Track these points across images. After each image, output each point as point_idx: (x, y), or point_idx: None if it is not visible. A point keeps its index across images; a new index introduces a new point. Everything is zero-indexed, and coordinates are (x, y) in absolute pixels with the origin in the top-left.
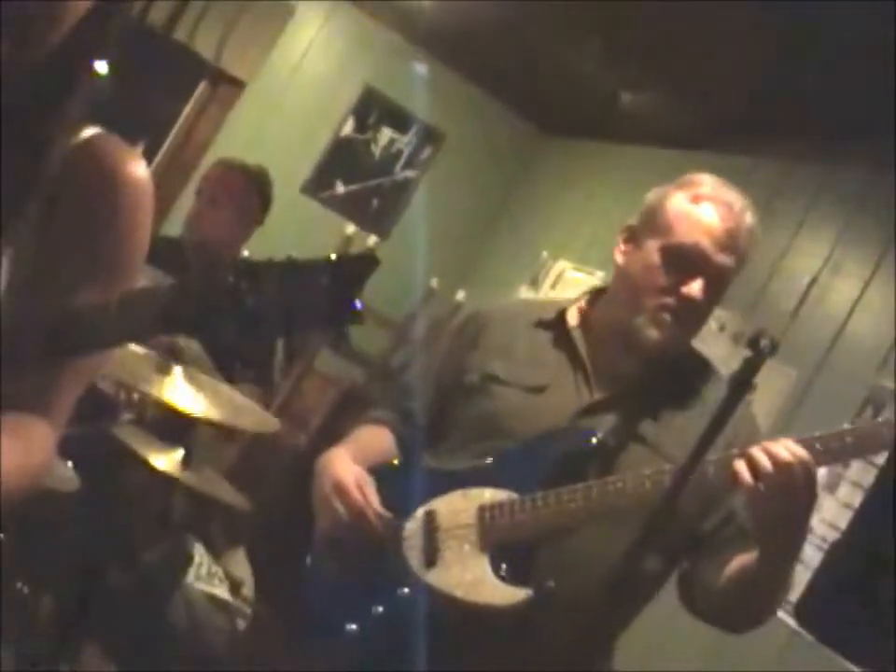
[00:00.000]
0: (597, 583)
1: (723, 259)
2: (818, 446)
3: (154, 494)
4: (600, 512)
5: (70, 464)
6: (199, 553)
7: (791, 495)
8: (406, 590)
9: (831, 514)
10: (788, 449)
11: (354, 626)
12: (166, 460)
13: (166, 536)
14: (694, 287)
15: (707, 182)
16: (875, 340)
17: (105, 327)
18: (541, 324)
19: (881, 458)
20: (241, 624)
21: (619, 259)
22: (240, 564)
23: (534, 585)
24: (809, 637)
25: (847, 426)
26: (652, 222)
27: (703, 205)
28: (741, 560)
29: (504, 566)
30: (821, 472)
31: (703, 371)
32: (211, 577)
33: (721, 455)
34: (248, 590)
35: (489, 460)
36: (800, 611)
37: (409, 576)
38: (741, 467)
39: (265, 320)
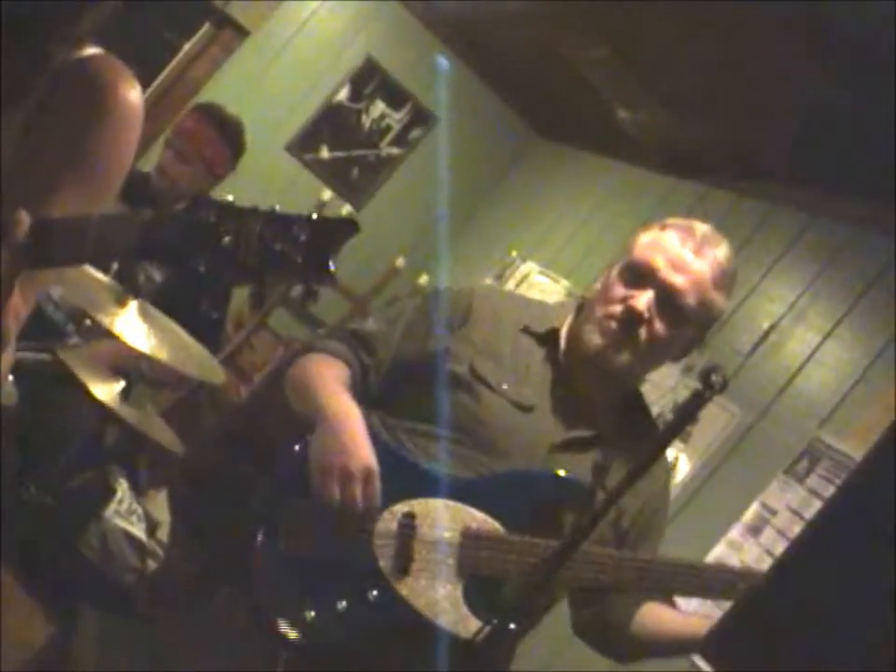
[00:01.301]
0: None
1: (674, 277)
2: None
3: (88, 421)
4: (577, 583)
5: (10, 378)
6: (122, 488)
7: None
8: (374, 593)
9: (752, 557)
10: None
11: (313, 614)
12: (106, 390)
13: (92, 465)
14: (641, 298)
15: (684, 220)
16: (823, 394)
17: (82, 242)
18: (530, 333)
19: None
20: (151, 566)
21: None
22: (160, 506)
23: (497, 625)
24: None
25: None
26: (625, 251)
27: (667, 231)
28: (660, 616)
29: (474, 598)
30: (748, 514)
31: (642, 414)
32: (130, 514)
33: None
34: (164, 533)
35: (474, 475)
36: (706, 646)
37: (377, 578)
38: None
39: (238, 262)
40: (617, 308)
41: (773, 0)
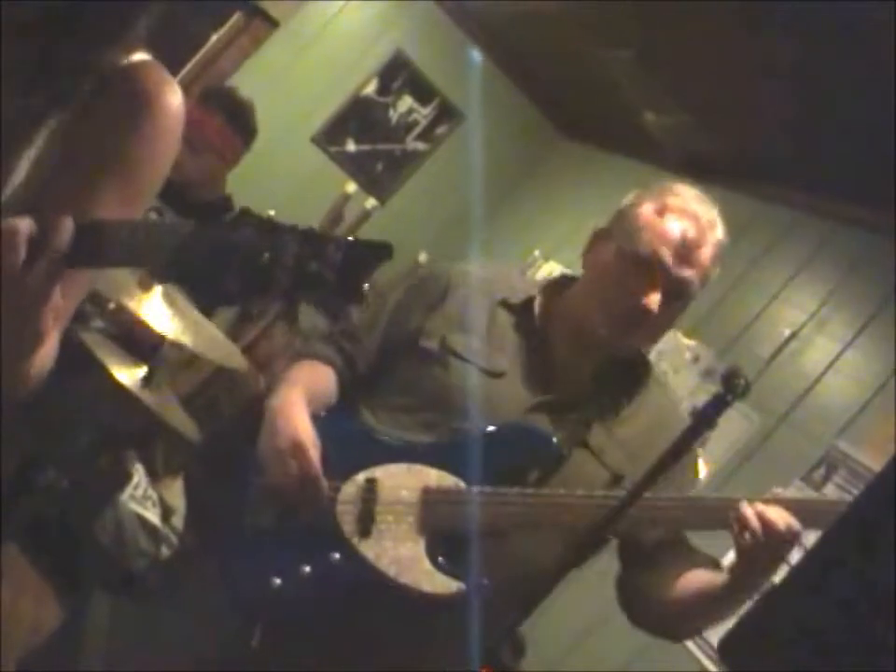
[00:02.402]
0: (521, 584)
1: (683, 271)
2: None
3: (108, 405)
4: (542, 522)
5: None
6: (138, 474)
7: (774, 552)
8: (337, 556)
9: None
10: (779, 517)
11: (278, 581)
12: (128, 375)
13: (109, 449)
14: (653, 300)
15: (678, 192)
16: (841, 403)
17: (122, 246)
18: (506, 305)
19: None
20: (164, 552)
21: (587, 259)
22: (176, 493)
23: (468, 580)
24: None
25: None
26: (619, 226)
27: (668, 217)
28: (700, 579)
29: (441, 555)
30: None
31: (645, 373)
32: (145, 499)
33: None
34: (179, 520)
35: (439, 438)
36: (724, 648)
37: (340, 541)
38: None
39: (273, 282)
40: (628, 303)
41: (798, 3)
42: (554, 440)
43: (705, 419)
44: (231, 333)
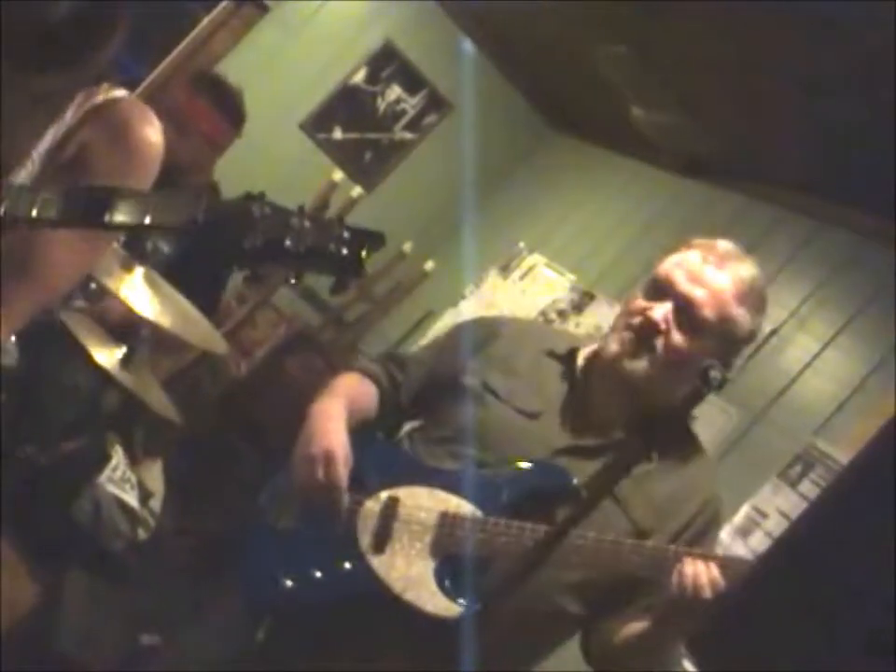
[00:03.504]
0: (517, 613)
1: (692, 289)
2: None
3: (87, 385)
4: (551, 560)
5: (12, 338)
6: (117, 455)
7: (694, 610)
8: (348, 565)
9: None
10: (711, 584)
11: (289, 582)
12: (107, 355)
13: (88, 429)
14: (658, 309)
15: (710, 239)
16: (819, 402)
17: (139, 211)
18: (552, 355)
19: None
20: (141, 534)
21: None
22: (155, 476)
23: (463, 605)
24: None
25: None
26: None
27: (690, 250)
28: (638, 625)
29: (448, 579)
30: (738, 516)
31: (689, 442)
32: (124, 482)
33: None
34: (157, 503)
35: (463, 465)
36: (693, 644)
37: (354, 553)
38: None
39: (288, 249)
40: (636, 319)
41: (793, 2)
42: (575, 481)
43: (680, 412)
44: (215, 320)
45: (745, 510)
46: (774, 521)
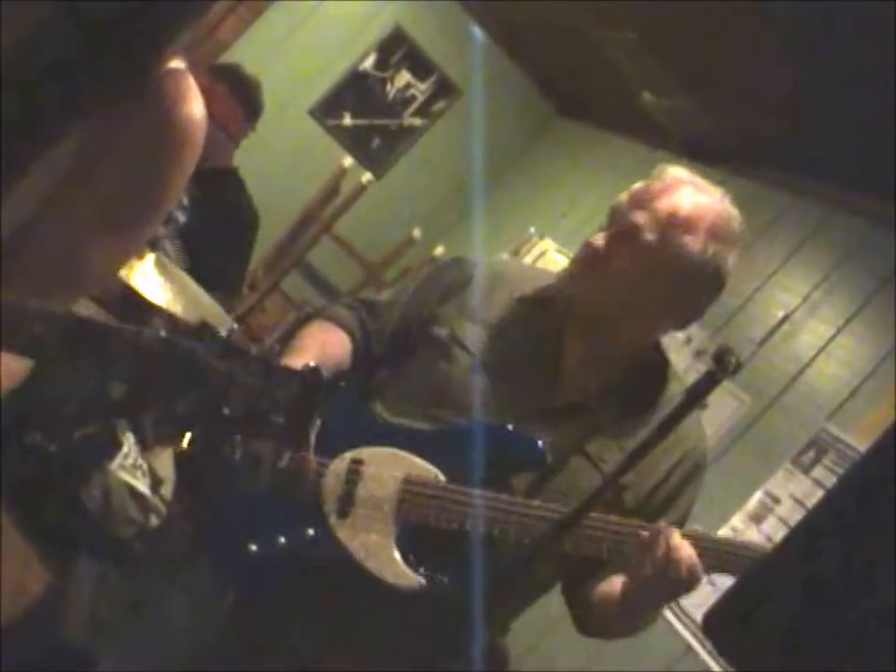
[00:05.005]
0: (486, 580)
1: (633, 213)
2: (706, 547)
3: (94, 372)
4: (512, 530)
5: None
6: (128, 442)
7: (667, 587)
8: (311, 531)
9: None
10: (685, 557)
11: (254, 547)
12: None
13: (98, 416)
14: (599, 236)
15: (666, 168)
16: (832, 387)
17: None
18: (526, 302)
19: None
20: (153, 521)
21: None
22: (166, 463)
23: (427, 575)
24: (702, 654)
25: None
26: None
27: (646, 181)
28: (608, 586)
29: (410, 547)
30: (751, 502)
31: (662, 389)
32: (135, 469)
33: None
34: (168, 490)
35: (430, 428)
36: (708, 622)
37: (318, 518)
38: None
39: (220, 413)
40: (581, 250)
41: None
42: (540, 444)
43: (694, 396)
44: (239, 290)
45: (758, 496)
46: (787, 507)
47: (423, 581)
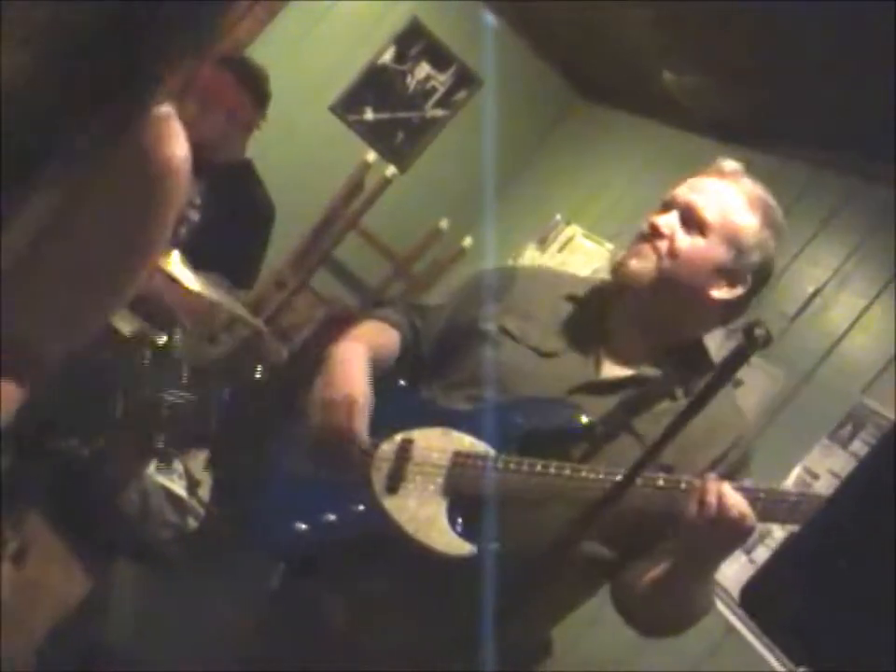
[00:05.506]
0: (536, 556)
1: (692, 195)
2: (762, 496)
3: (123, 376)
4: (564, 495)
5: None
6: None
7: (722, 538)
8: (361, 507)
9: None
10: (737, 503)
11: (303, 525)
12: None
13: (130, 421)
14: (661, 216)
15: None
16: (867, 360)
17: None
18: (571, 298)
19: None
20: (191, 523)
21: None
22: (202, 465)
23: (479, 544)
24: (745, 634)
25: (793, 489)
26: None
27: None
28: (657, 571)
29: (460, 518)
30: (790, 478)
31: (704, 369)
32: (171, 471)
33: (676, 478)
34: (205, 492)
35: (477, 405)
36: (746, 595)
37: (367, 495)
38: (692, 495)
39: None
40: (645, 231)
41: None
42: (584, 420)
43: (727, 370)
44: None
45: (796, 472)
46: (825, 482)
47: (474, 549)
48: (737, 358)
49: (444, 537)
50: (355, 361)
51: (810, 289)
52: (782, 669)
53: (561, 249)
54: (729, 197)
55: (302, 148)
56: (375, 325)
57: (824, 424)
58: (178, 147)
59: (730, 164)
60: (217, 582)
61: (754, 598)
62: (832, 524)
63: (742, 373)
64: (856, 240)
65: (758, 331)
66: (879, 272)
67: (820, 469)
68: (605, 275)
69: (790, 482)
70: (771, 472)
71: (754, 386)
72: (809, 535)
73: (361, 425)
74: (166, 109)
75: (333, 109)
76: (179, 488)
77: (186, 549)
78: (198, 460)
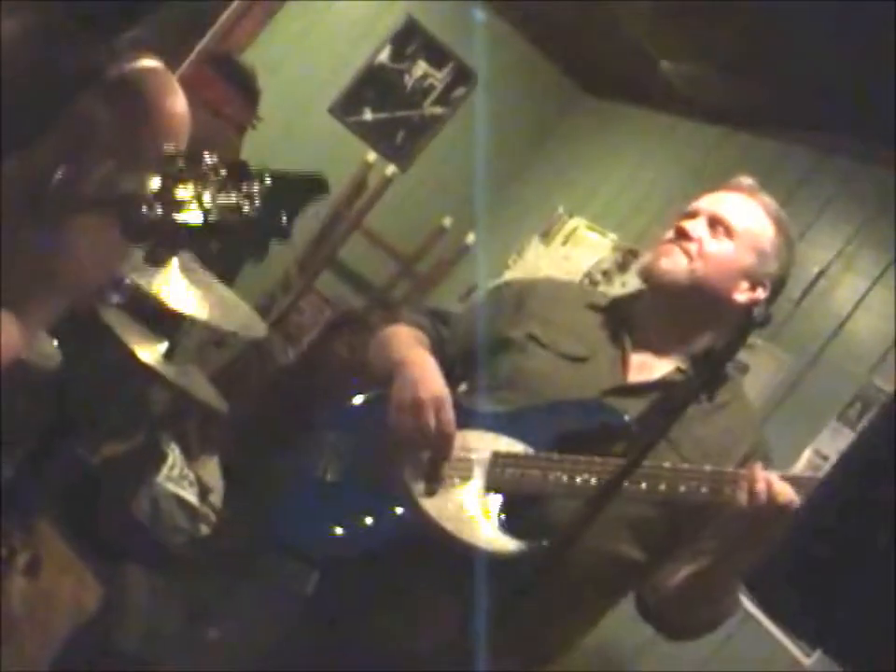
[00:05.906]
0: (578, 553)
1: (718, 205)
2: (805, 483)
3: (132, 382)
4: (611, 493)
5: (55, 342)
6: (174, 454)
7: (771, 525)
8: (400, 511)
9: None
10: (784, 490)
11: (340, 530)
12: (149, 351)
13: (141, 429)
14: (690, 223)
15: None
16: (873, 340)
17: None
18: (593, 307)
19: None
20: (203, 530)
21: None
22: (212, 472)
23: (527, 541)
24: (763, 621)
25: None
26: None
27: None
28: (690, 570)
29: (502, 517)
30: (801, 461)
31: (728, 386)
32: (182, 479)
33: (720, 470)
34: (217, 498)
35: (510, 408)
36: (753, 582)
37: (406, 498)
38: (742, 484)
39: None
40: (670, 233)
41: None
42: (626, 418)
43: (726, 352)
44: (261, 308)
45: (807, 454)
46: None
47: (521, 545)
48: (738, 337)
49: (488, 535)
50: (426, 363)
51: (814, 271)
52: (799, 654)
53: (565, 242)
54: (750, 208)
55: (303, 152)
56: (407, 330)
57: (833, 405)
58: (179, 100)
59: (747, 180)
60: (245, 589)
61: (760, 584)
62: (829, 501)
63: (749, 358)
64: (858, 221)
65: (756, 310)
66: (882, 252)
67: (830, 450)
68: (607, 267)
69: (800, 464)
70: (781, 455)
71: (761, 371)
72: (808, 514)
73: (452, 422)
74: (159, 65)
75: (332, 112)
76: (190, 495)
77: (202, 554)
78: (208, 468)
